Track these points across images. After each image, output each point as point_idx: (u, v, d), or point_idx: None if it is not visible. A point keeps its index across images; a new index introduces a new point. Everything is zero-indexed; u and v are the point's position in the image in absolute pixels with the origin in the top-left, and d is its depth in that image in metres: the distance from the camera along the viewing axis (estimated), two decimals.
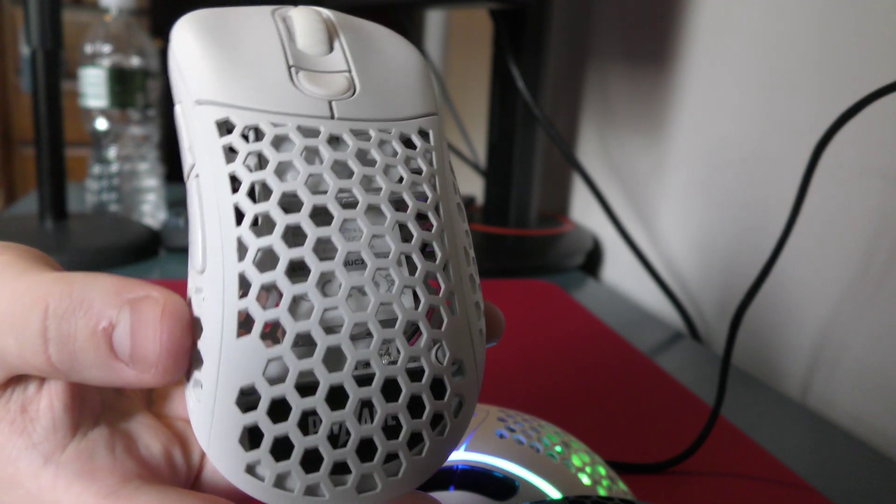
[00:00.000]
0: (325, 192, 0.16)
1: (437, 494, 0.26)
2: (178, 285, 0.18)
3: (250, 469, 0.16)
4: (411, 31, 1.10)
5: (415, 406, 0.17)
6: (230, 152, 0.17)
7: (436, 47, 1.30)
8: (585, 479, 0.27)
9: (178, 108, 0.18)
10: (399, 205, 0.17)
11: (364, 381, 0.16)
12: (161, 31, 1.03)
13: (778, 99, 0.52)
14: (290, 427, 0.16)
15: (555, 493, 0.26)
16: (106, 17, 0.74)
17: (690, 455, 0.36)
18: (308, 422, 0.16)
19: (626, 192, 0.72)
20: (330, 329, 0.16)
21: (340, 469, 0.16)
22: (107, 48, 0.73)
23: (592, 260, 0.78)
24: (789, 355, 0.51)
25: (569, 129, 0.85)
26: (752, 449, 0.38)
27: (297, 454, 0.16)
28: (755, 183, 0.55)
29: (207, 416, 0.16)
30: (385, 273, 0.17)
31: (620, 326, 0.57)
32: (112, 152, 0.76)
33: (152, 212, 0.79)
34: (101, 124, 0.75)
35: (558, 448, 0.28)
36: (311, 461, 0.16)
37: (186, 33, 0.18)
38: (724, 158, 0.58)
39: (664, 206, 0.66)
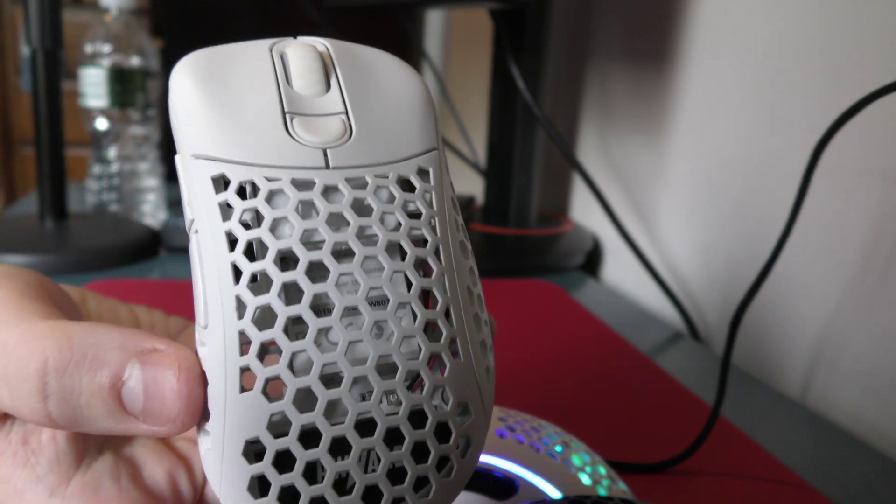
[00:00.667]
0: (321, 247, 0.17)
1: None
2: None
3: None
4: (411, 31, 1.10)
5: (419, 451, 0.17)
6: (227, 208, 0.17)
7: (436, 47, 1.30)
8: (585, 479, 0.27)
9: (177, 159, 0.18)
10: (397, 253, 0.17)
11: (366, 430, 0.16)
12: (161, 31, 1.03)
13: (778, 99, 0.52)
14: (295, 477, 0.16)
15: (555, 493, 0.26)
16: (106, 17, 0.74)
17: (690, 455, 0.36)
18: (314, 471, 0.16)
19: (626, 192, 0.72)
20: (331, 381, 0.16)
21: None
22: (107, 48, 0.73)
23: (592, 260, 0.78)
24: (789, 355, 0.51)
25: (569, 129, 0.85)
26: (752, 449, 0.38)
27: (303, 502, 0.16)
28: (755, 182, 0.55)
29: (217, 463, 0.16)
30: (384, 324, 0.17)
31: (620, 326, 0.57)
32: (112, 152, 0.76)
33: (152, 212, 0.79)
34: (101, 124, 0.75)
35: (558, 448, 0.28)
36: None
37: (184, 81, 0.18)
38: (724, 158, 0.58)
39: (664, 206, 0.66)
